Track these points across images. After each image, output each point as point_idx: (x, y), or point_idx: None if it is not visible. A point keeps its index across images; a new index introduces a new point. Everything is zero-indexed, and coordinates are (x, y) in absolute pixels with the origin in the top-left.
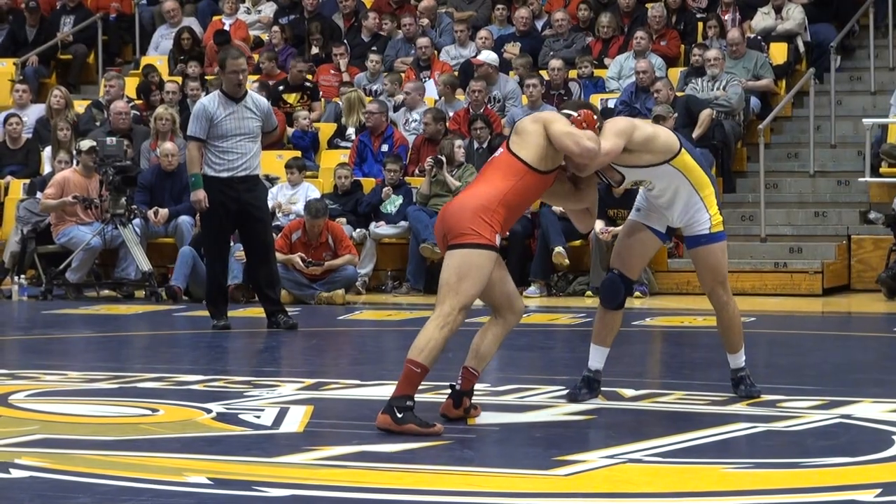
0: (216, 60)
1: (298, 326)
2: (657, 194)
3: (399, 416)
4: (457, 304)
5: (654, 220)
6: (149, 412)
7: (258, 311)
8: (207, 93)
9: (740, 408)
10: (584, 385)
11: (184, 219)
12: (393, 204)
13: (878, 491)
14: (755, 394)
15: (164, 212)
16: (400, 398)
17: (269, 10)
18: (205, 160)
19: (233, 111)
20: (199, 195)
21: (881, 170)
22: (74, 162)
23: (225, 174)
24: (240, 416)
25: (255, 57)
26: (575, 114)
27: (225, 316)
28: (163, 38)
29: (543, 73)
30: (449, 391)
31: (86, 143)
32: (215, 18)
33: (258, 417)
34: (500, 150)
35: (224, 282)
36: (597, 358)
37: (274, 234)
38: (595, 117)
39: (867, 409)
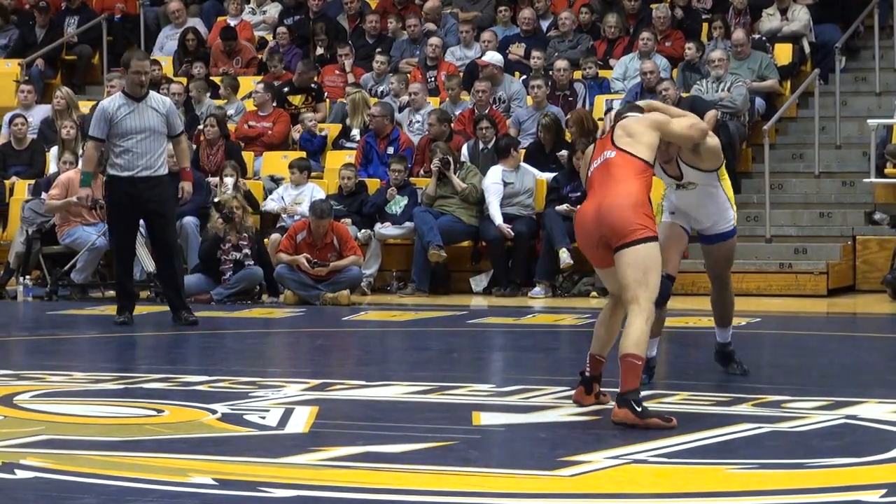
0: (222, 60)
1: (198, 324)
2: (692, 198)
3: (639, 409)
4: (650, 296)
5: (682, 220)
6: (154, 413)
7: (256, 313)
8: (212, 93)
9: (745, 408)
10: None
11: (188, 219)
12: (398, 205)
13: (884, 491)
14: (745, 371)
15: None
16: (633, 392)
17: (273, 10)
18: (109, 161)
19: (133, 110)
20: (84, 192)
21: (886, 170)
22: (79, 162)
23: (126, 174)
24: (245, 416)
25: (261, 57)
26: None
27: (129, 313)
28: (168, 39)
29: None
30: (580, 378)
31: None
32: (220, 19)
33: (263, 418)
34: (607, 152)
35: (127, 280)
36: (652, 347)
37: (279, 235)
38: None
39: (872, 410)
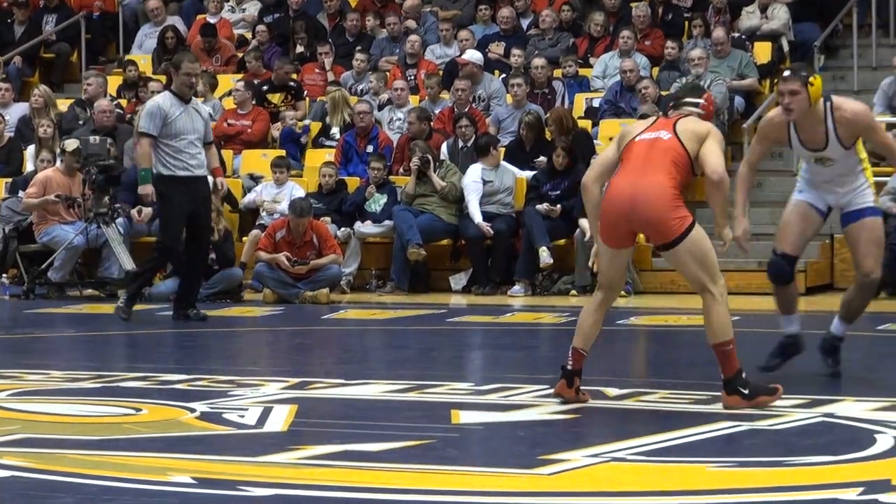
0: (201, 58)
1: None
2: (828, 174)
3: (747, 392)
4: (717, 279)
5: (814, 198)
6: (132, 412)
7: (236, 311)
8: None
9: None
10: (778, 352)
11: None
12: (377, 203)
13: (861, 490)
14: (837, 372)
15: (147, 211)
16: (737, 377)
17: (253, 8)
18: (158, 160)
19: (183, 111)
20: (149, 189)
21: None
22: (57, 161)
23: (184, 173)
24: (224, 415)
25: (241, 55)
26: (702, 101)
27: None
28: (147, 37)
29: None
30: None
31: (70, 144)
32: (199, 17)
33: (242, 417)
34: (663, 132)
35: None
36: (791, 323)
37: (259, 232)
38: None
39: (850, 408)
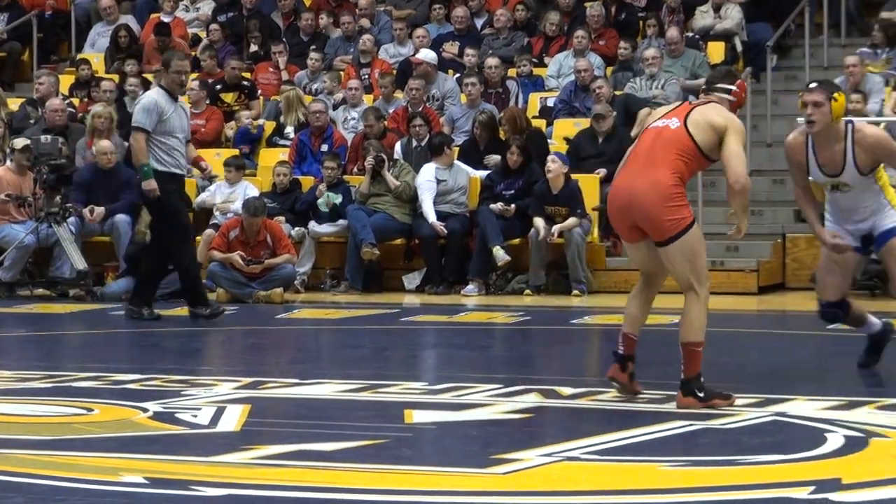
0: (155, 57)
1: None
2: (848, 200)
3: (702, 395)
4: (703, 282)
5: (843, 232)
6: (84, 411)
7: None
8: (144, 90)
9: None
10: (871, 349)
11: (120, 217)
12: (333, 200)
13: (812, 488)
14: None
15: (99, 210)
16: (695, 379)
17: (207, 7)
18: (153, 156)
19: (174, 109)
20: (153, 184)
21: None
22: (7, 160)
23: (177, 171)
24: (176, 415)
25: (194, 54)
26: (734, 87)
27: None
28: (99, 36)
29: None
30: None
31: (19, 142)
32: (153, 16)
33: (195, 416)
34: (674, 121)
35: (195, 269)
36: (870, 328)
37: (213, 231)
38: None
39: (801, 407)
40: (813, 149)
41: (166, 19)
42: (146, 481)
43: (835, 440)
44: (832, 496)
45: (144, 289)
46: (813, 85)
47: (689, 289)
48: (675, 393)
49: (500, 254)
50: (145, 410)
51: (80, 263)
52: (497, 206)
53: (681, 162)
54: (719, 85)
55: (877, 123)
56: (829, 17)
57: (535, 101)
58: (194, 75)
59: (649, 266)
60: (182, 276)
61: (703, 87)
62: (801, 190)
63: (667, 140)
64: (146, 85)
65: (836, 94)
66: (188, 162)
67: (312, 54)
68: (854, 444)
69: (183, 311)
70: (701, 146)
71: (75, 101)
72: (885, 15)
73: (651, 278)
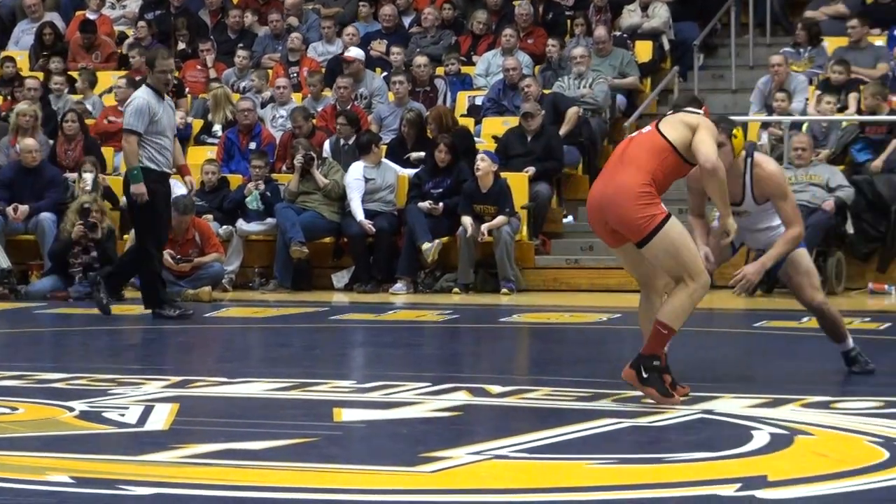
0: (81, 54)
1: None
2: (745, 222)
3: (645, 375)
4: (696, 275)
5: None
6: (8, 410)
7: (120, 309)
8: (72, 89)
9: (606, 403)
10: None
11: (45, 216)
12: (257, 200)
13: (738, 485)
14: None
15: (23, 208)
16: (648, 357)
17: (134, 5)
18: (145, 156)
19: (163, 107)
20: (142, 188)
21: None
22: None
23: (166, 170)
24: (103, 414)
25: (120, 52)
26: (701, 112)
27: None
28: (24, 34)
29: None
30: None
31: None
32: (79, 13)
33: (122, 415)
34: (646, 128)
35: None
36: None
37: None
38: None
39: (728, 405)
40: None
41: (92, 17)
42: (73, 481)
43: (760, 438)
44: (758, 493)
45: (151, 290)
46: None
47: (680, 280)
48: (602, 391)
49: (426, 246)
50: (71, 409)
51: (3, 262)
52: (425, 204)
53: (653, 162)
54: (687, 108)
55: (800, 125)
56: (754, 17)
57: (463, 99)
58: (121, 73)
59: (640, 268)
60: (147, 279)
61: (671, 111)
62: (695, 217)
63: (638, 143)
64: (71, 82)
65: (735, 132)
66: (175, 167)
67: (240, 52)
68: (779, 442)
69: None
70: (674, 143)
71: None
72: (808, 14)
73: (648, 283)
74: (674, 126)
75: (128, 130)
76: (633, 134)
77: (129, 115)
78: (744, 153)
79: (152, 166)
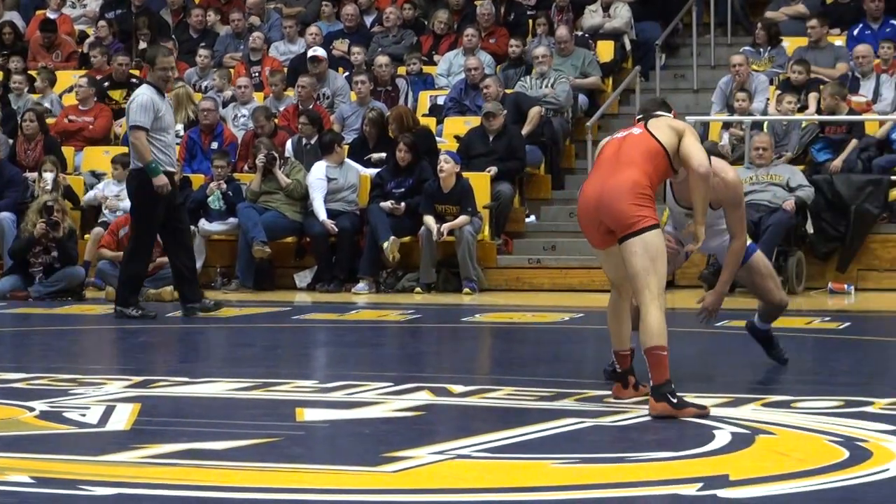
0: (41, 54)
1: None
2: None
3: (675, 401)
4: (661, 284)
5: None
6: None
7: (81, 309)
8: (31, 88)
9: (568, 403)
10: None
11: (4, 215)
12: (219, 200)
13: (700, 485)
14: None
15: None
16: (665, 385)
17: (94, 4)
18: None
19: (165, 105)
20: (163, 180)
21: None
22: None
23: (170, 168)
24: (64, 414)
25: (81, 51)
26: (670, 115)
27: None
28: None
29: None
30: (610, 378)
31: None
32: (39, 12)
33: (84, 416)
34: (635, 129)
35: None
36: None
37: (101, 230)
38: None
39: None
40: (670, 183)
41: (52, 16)
42: (33, 481)
43: (722, 437)
44: (720, 493)
45: (185, 287)
46: None
47: (645, 287)
48: (565, 390)
49: (386, 244)
50: (32, 409)
51: None
52: (387, 204)
53: (648, 164)
54: (658, 112)
55: (760, 125)
56: (715, 17)
57: (424, 99)
58: (82, 72)
59: (619, 271)
60: (130, 275)
61: (639, 116)
62: None
63: (632, 144)
64: (31, 81)
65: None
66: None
67: (201, 51)
68: (741, 441)
69: (69, 309)
70: (665, 146)
71: None
72: (768, 14)
73: (621, 288)
74: (663, 130)
75: (135, 127)
76: (619, 134)
77: (135, 112)
78: None
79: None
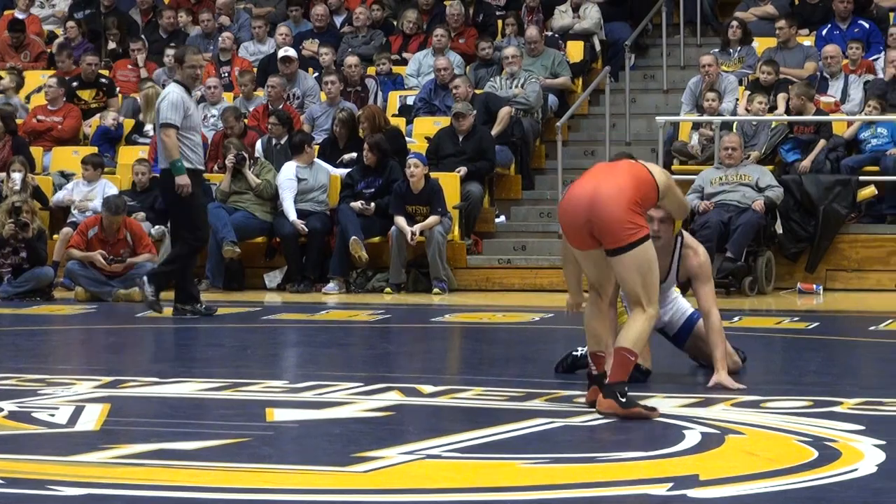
0: (9, 54)
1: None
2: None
3: (624, 400)
4: (652, 297)
5: None
6: None
7: (50, 309)
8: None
9: (538, 403)
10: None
11: None
12: None
13: (670, 485)
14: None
15: None
16: (619, 384)
17: (63, 4)
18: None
19: (193, 103)
20: (186, 180)
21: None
22: None
23: (200, 167)
24: (33, 414)
25: (50, 51)
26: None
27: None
28: None
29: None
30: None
31: None
32: (7, 12)
33: (53, 416)
34: (626, 159)
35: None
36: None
37: (70, 230)
38: None
39: (659, 404)
40: None
41: (20, 16)
42: (2, 481)
43: (692, 437)
44: (690, 493)
45: (186, 286)
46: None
47: (637, 303)
48: (534, 390)
49: (355, 246)
50: (0, 410)
51: None
52: (357, 204)
53: (641, 187)
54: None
55: (730, 125)
56: (684, 17)
57: (394, 99)
58: (50, 73)
59: (600, 276)
60: (175, 270)
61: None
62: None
63: (625, 166)
64: None
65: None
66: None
67: (168, 51)
68: (711, 441)
69: (38, 309)
70: (658, 182)
71: None
72: (738, 15)
73: (602, 288)
74: (655, 168)
75: (165, 124)
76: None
77: (166, 110)
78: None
79: (186, 164)
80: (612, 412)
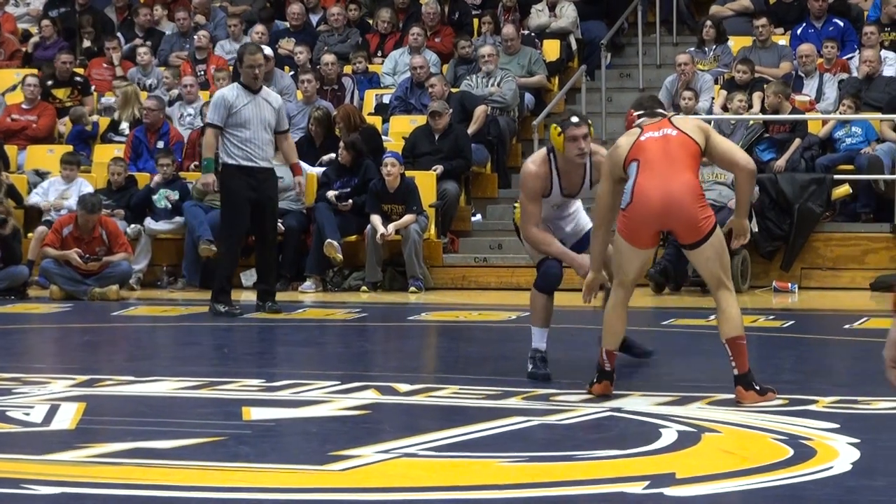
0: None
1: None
2: None
3: (758, 388)
4: (729, 276)
5: None
6: None
7: (25, 308)
8: None
9: (515, 402)
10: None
11: None
12: (165, 199)
13: (647, 483)
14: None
15: None
16: (749, 373)
17: (38, 2)
18: (224, 149)
19: (250, 101)
20: (210, 178)
21: None
22: None
23: (246, 163)
24: (8, 413)
25: (25, 49)
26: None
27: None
28: None
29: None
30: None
31: None
32: None
33: (27, 415)
34: (670, 130)
35: (233, 269)
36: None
37: (45, 228)
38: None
39: (636, 403)
40: (558, 174)
41: None
42: None
43: (669, 435)
44: (666, 491)
45: (262, 284)
46: (576, 120)
47: (721, 286)
48: (511, 389)
49: (327, 248)
50: None
51: None
52: (331, 193)
53: (694, 164)
54: (658, 110)
55: (708, 121)
56: (660, 16)
57: (370, 97)
58: (25, 71)
59: (640, 273)
60: (223, 272)
61: (639, 112)
62: (538, 228)
63: (677, 145)
64: None
65: (590, 125)
66: (286, 164)
67: (141, 49)
68: (687, 439)
69: (13, 308)
70: (701, 146)
71: None
72: (714, 9)
73: (630, 290)
74: (695, 131)
75: (206, 124)
76: (652, 135)
77: (209, 110)
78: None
79: (229, 161)
80: (755, 401)
